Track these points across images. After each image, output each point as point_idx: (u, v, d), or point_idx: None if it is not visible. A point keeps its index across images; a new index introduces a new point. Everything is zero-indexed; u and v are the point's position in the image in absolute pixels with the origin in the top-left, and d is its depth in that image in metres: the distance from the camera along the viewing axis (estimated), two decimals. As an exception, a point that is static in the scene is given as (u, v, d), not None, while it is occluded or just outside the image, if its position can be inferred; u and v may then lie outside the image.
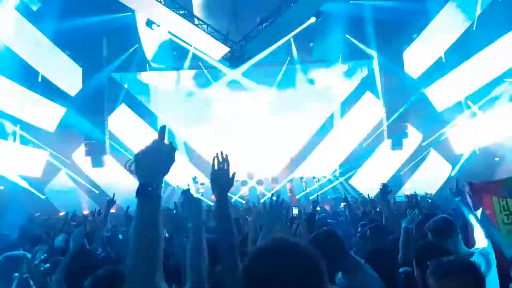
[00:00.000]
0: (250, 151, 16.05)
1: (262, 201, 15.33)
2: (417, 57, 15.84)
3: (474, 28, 14.15)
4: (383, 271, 3.12)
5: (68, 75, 15.66)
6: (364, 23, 15.12)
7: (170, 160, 1.64)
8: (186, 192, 2.39)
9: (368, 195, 12.92)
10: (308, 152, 16.80)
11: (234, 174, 2.18)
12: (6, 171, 14.23)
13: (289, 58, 16.31)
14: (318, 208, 9.96)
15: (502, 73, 14.48)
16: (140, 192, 1.53)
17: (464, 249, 3.44)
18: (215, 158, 2.18)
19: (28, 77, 14.53)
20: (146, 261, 1.46)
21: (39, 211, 13.93)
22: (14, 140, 14.91)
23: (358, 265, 3.00)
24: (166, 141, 1.64)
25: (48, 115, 15.42)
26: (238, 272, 2.09)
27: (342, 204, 12.24)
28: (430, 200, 14.69)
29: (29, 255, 3.55)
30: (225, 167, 2.17)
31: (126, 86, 16.49)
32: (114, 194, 5.78)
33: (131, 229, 1.56)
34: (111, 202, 5.64)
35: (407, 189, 15.77)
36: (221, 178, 2.16)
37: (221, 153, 2.19)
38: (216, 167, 2.17)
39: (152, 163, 1.60)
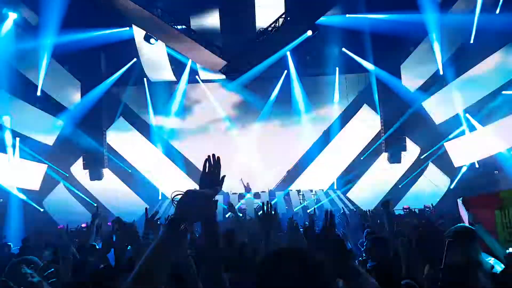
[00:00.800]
0: (248, 164, 16.06)
1: (259, 213, 15.32)
2: (415, 70, 15.81)
3: (471, 41, 14.10)
4: (387, 284, 3.05)
5: (66, 89, 15.86)
6: (361, 36, 15.12)
7: (206, 215, 1.84)
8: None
9: (368, 210, 12.92)
10: (306, 165, 16.76)
11: (223, 177, 2.09)
12: (5, 184, 14.39)
13: (286, 71, 16.32)
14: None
15: (500, 86, 14.42)
16: (170, 224, 1.60)
17: (484, 259, 3.32)
18: (207, 161, 2.08)
19: (27, 91, 14.74)
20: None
21: (38, 223, 14.05)
22: (14, 154, 15.03)
23: (359, 273, 2.90)
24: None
25: (47, 128, 15.62)
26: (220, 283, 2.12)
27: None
28: (430, 212, 14.58)
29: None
30: (216, 171, 2.09)
31: (124, 100, 16.57)
32: (97, 207, 5.64)
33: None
34: (96, 215, 5.49)
35: (406, 202, 15.70)
36: (210, 181, 2.06)
37: (213, 156, 2.10)
38: (206, 170, 2.08)
39: (194, 209, 1.67)
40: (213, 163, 2.08)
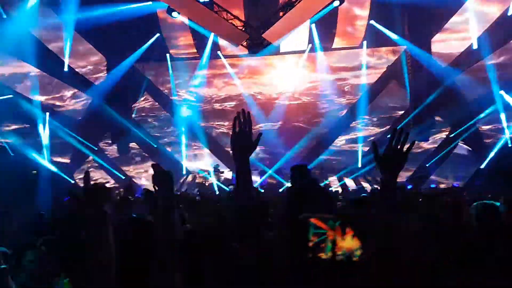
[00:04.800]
0: (271, 141, 15.99)
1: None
2: (447, 44, 14.96)
3: (509, 14, 13.11)
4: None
5: (92, 64, 16.13)
6: (390, 7, 14.36)
7: None
8: (155, 166, 2.26)
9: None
10: (330, 142, 16.46)
11: (260, 135, 2.02)
12: (38, 157, 15.03)
13: (310, 45, 15.82)
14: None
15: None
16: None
17: None
18: (236, 119, 2.01)
19: (55, 66, 15.08)
20: None
21: (67, 195, 14.67)
22: (44, 128, 15.58)
23: None
24: None
25: (75, 103, 16.07)
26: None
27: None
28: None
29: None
30: (247, 129, 2.01)
31: (148, 76, 16.67)
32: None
33: None
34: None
35: (434, 181, 15.30)
36: (242, 140, 1.99)
37: (243, 111, 2.01)
38: (237, 129, 2.00)
39: None
40: (243, 121, 1.98)
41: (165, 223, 1.95)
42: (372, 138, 16.19)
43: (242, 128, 1.97)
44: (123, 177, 16.65)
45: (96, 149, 16.63)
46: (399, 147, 1.90)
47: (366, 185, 15.07)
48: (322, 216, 1.77)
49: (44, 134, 15.53)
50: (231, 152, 2.00)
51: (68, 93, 16.58)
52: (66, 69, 15.11)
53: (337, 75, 16.34)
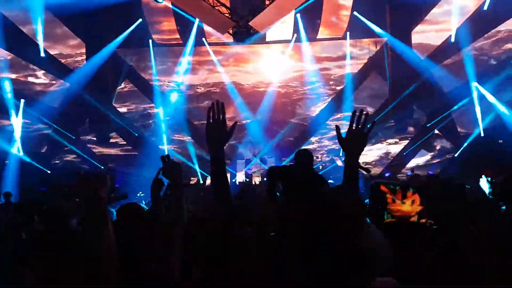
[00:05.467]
0: (255, 129, 16.05)
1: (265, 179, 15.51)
2: (426, 35, 15.57)
3: (485, 8, 13.80)
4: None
5: (72, 50, 15.48)
6: (373, -1, 14.72)
7: None
8: (164, 157, 2.24)
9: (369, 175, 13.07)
10: (314, 132, 16.74)
11: (235, 124, 2.01)
12: (11, 147, 14.29)
13: (295, 35, 15.94)
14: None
15: (512, 55, 14.28)
16: None
17: None
18: (210, 109, 1.99)
19: (31, 52, 14.33)
20: None
21: (44, 185, 14.08)
22: (17, 115, 14.80)
23: None
24: None
25: (52, 90, 15.36)
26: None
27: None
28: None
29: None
30: (221, 118, 1.99)
31: (129, 61, 16.20)
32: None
33: None
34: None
35: (409, 169, 15.93)
36: (216, 130, 1.98)
37: (217, 102, 1.99)
38: (211, 119, 1.99)
39: None
40: (217, 111, 1.99)
41: (176, 212, 2.02)
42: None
43: (216, 119, 1.98)
44: (102, 167, 16.17)
45: (74, 138, 16.03)
46: (359, 128, 1.94)
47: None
48: (388, 181, 1.78)
49: (17, 123, 14.76)
50: (207, 143, 2.03)
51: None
52: (42, 54, 14.44)
53: (322, 64, 16.60)
